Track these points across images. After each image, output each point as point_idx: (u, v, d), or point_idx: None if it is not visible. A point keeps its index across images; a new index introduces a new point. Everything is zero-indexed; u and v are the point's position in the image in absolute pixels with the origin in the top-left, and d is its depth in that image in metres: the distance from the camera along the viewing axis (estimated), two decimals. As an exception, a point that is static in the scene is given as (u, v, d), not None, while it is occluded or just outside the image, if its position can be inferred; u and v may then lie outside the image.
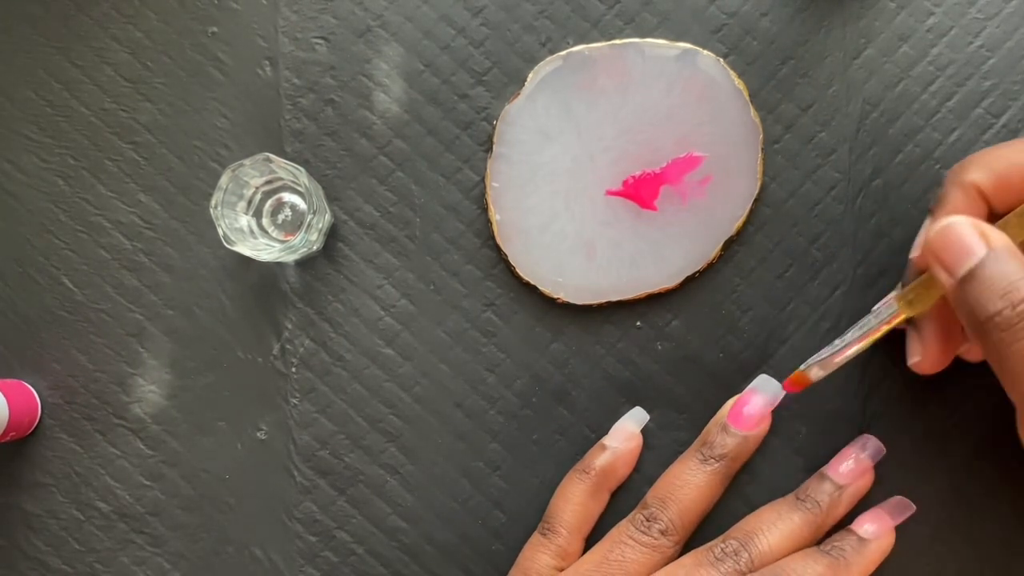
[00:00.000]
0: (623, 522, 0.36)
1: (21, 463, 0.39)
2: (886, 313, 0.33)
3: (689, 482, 0.36)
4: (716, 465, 0.36)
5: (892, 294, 0.34)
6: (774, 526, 0.35)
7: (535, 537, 0.37)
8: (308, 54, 0.39)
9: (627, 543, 0.35)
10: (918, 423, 0.37)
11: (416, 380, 0.38)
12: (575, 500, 0.37)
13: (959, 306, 0.30)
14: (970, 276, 0.29)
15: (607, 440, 0.37)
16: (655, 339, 0.38)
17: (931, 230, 0.31)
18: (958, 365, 0.35)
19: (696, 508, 0.36)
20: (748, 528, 0.35)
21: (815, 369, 0.34)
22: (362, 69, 0.39)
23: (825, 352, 0.34)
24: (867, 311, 0.34)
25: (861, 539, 0.35)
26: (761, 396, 0.36)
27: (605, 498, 0.37)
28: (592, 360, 0.38)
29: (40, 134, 0.39)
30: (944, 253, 0.30)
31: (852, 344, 0.34)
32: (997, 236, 0.30)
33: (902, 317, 0.33)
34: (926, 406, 0.37)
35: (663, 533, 0.35)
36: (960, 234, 0.30)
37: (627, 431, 0.37)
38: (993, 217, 0.32)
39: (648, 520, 0.36)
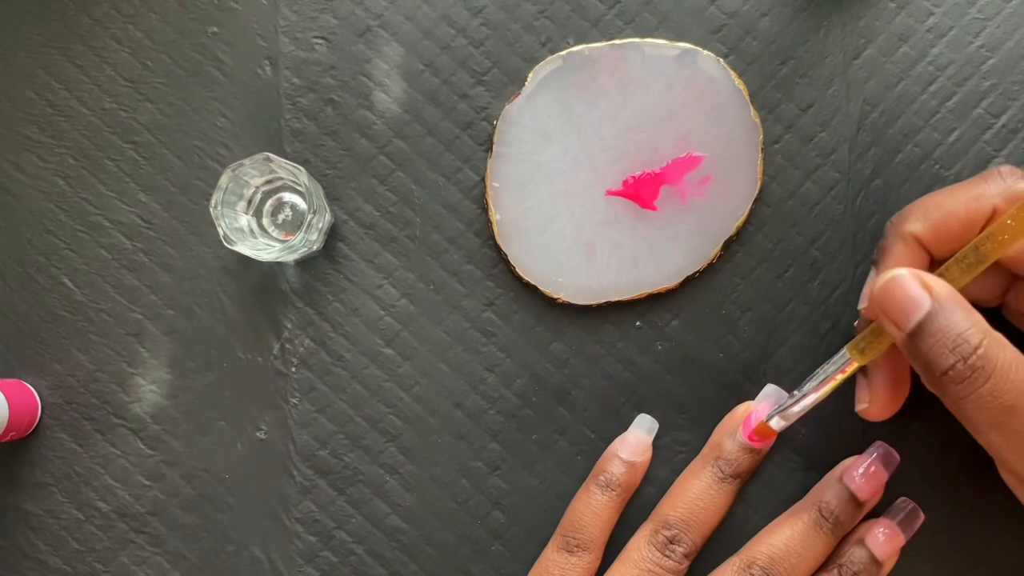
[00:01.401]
0: (642, 543, 0.36)
1: (21, 463, 0.39)
2: (839, 362, 0.34)
3: (711, 503, 0.36)
4: (734, 483, 0.36)
5: (847, 345, 0.34)
6: (798, 552, 0.35)
7: (559, 556, 0.36)
8: (308, 54, 0.39)
9: (654, 571, 0.35)
10: (918, 424, 0.37)
11: (416, 380, 0.38)
12: (603, 516, 0.36)
13: (913, 360, 0.30)
14: (919, 330, 0.29)
15: (624, 453, 0.37)
16: (655, 339, 0.38)
17: (875, 284, 0.31)
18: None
19: (714, 526, 0.36)
20: (772, 553, 0.35)
21: (776, 419, 0.35)
22: (362, 69, 0.39)
23: (786, 402, 0.35)
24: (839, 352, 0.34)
25: (875, 560, 0.35)
26: (779, 416, 0.37)
27: (622, 510, 0.37)
28: (592, 360, 0.38)
29: (40, 134, 0.39)
30: (890, 308, 0.30)
31: (809, 394, 0.34)
32: (940, 286, 0.30)
33: (855, 366, 0.33)
34: (926, 407, 0.37)
35: (686, 556, 0.36)
36: (903, 287, 0.30)
37: (643, 443, 0.37)
38: (934, 264, 0.33)
39: (672, 543, 0.35)
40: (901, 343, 0.30)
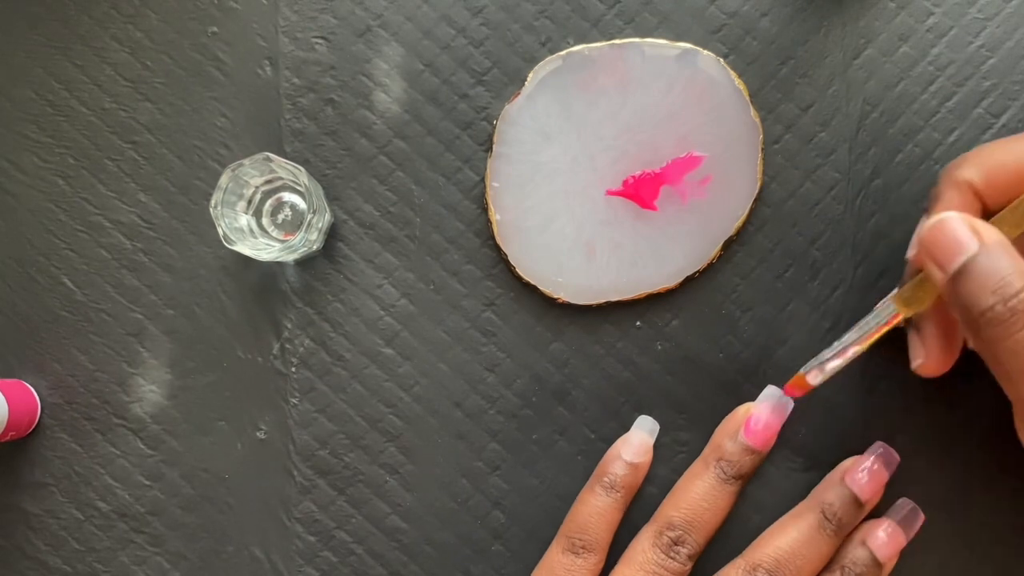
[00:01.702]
0: (646, 544, 0.36)
1: (21, 463, 0.39)
2: (884, 314, 0.33)
3: (714, 504, 0.36)
4: (736, 484, 0.36)
5: (891, 295, 0.34)
6: (802, 554, 0.35)
7: (564, 558, 0.36)
8: (308, 54, 0.39)
9: (658, 573, 0.35)
10: (918, 423, 0.37)
11: (416, 380, 0.38)
12: (608, 517, 0.36)
13: (952, 302, 0.30)
14: (962, 272, 0.29)
15: (627, 455, 0.37)
16: (655, 339, 0.38)
17: (924, 226, 0.31)
18: (958, 364, 0.35)
19: (717, 527, 0.36)
20: (778, 555, 0.35)
21: (814, 372, 0.34)
22: (362, 69, 0.39)
23: (825, 354, 0.34)
24: (867, 311, 0.34)
25: (877, 562, 0.35)
26: (776, 411, 0.36)
27: (625, 510, 0.37)
28: (592, 360, 0.38)
29: (40, 134, 0.39)
30: (936, 249, 0.30)
31: (851, 346, 0.34)
32: (989, 231, 0.30)
33: (900, 317, 0.33)
34: (926, 406, 0.37)
35: (690, 557, 0.36)
36: (952, 229, 0.30)
37: (646, 444, 0.37)
38: (988, 215, 0.32)
39: (676, 544, 0.35)
40: (943, 286, 0.30)
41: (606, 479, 0.37)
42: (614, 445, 0.37)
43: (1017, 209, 0.31)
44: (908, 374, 0.35)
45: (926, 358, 0.34)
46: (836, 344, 0.34)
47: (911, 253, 0.34)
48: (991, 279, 0.29)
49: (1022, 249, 0.30)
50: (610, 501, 0.36)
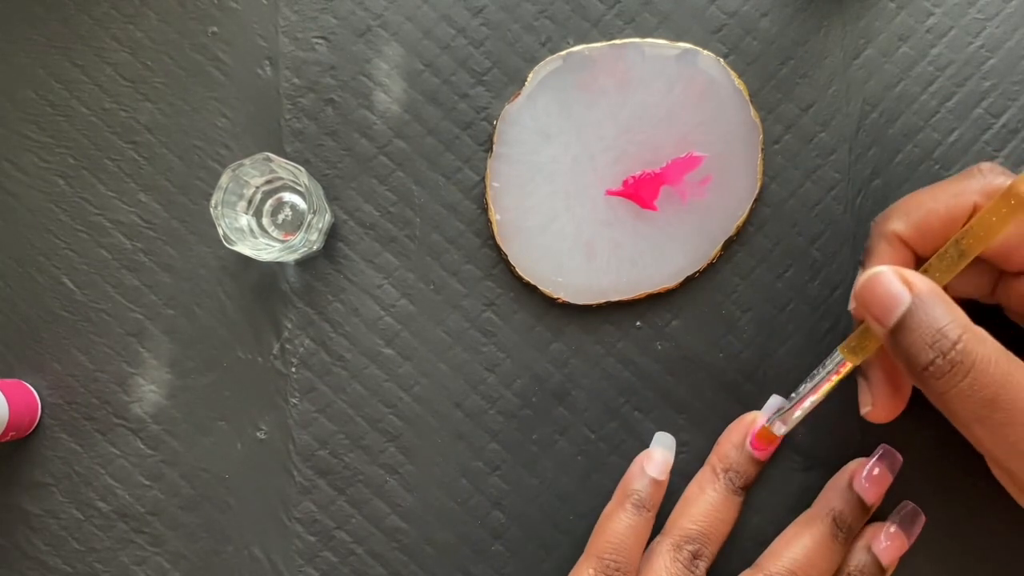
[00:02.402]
0: (666, 559, 0.35)
1: (21, 463, 0.39)
2: (833, 363, 0.34)
3: (728, 515, 0.36)
4: (744, 494, 0.37)
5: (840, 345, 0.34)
6: (816, 564, 0.35)
7: None
8: (308, 54, 0.39)
9: None
10: (918, 424, 0.37)
11: (416, 380, 0.38)
12: (642, 537, 0.36)
13: (896, 356, 0.30)
14: (900, 326, 0.29)
15: (651, 471, 0.36)
16: (655, 339, 0.38)
17: (858, 282, 0.31)
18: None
19: (727, 536, 0.37)
20: (792, 567, 0.35)
21: (778, 424, 0.35)
22: (362, 69, 0.39)
23: (784, 405, 0.35)
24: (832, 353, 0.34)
25: (881, 565, 0.35)
26: (780, 421, 0.37)
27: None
28: (592, 360, 0.38)
29: (40, 134, 0.39)
30: (872, 305, 0.30)
31: (806, 396, 0.35)
32: (920, 281, 0.30)
33: (849, 367, 0.33)
34: (926, 406, 0.37)
35: (707, 569, 0.36)
36: (884, 284, 0.30)
37: (669, 461, 0.37)
38: (919, 263, 0.33)
39: (696, 557, 0.35)
40: (885, 340, 0.30)
41: (635, 497, 0.36)
42: (635, 462, 0.37)
43: (944, 256, 0.31)
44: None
45: (874, 405, 0.34)
46: (793, 395, 0.35)
47: (852, 306, 0.34)
48: (928, 332, 0.29)
49: (963, 293, 0.30)
50: (642, 520, 0.36)
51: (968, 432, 0.30)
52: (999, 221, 0.30)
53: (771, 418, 0.36)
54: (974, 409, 0.29)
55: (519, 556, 0.38)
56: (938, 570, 0.37)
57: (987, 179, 0.32)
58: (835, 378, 0.34)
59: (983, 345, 0.29)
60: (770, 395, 0.37)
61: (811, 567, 0.34)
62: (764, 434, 0.36)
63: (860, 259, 0.34)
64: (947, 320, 0.29)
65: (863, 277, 0.31)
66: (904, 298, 0.29)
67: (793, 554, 0.35)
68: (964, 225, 0.32)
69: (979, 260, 0.32)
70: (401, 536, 0.38)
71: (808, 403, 0.35)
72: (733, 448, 0.37)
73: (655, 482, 0.36)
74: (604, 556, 0.35)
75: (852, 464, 0.37)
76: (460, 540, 0.38)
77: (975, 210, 0.32)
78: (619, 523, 0.36)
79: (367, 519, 0.38)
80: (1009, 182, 0.30)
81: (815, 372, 0.35)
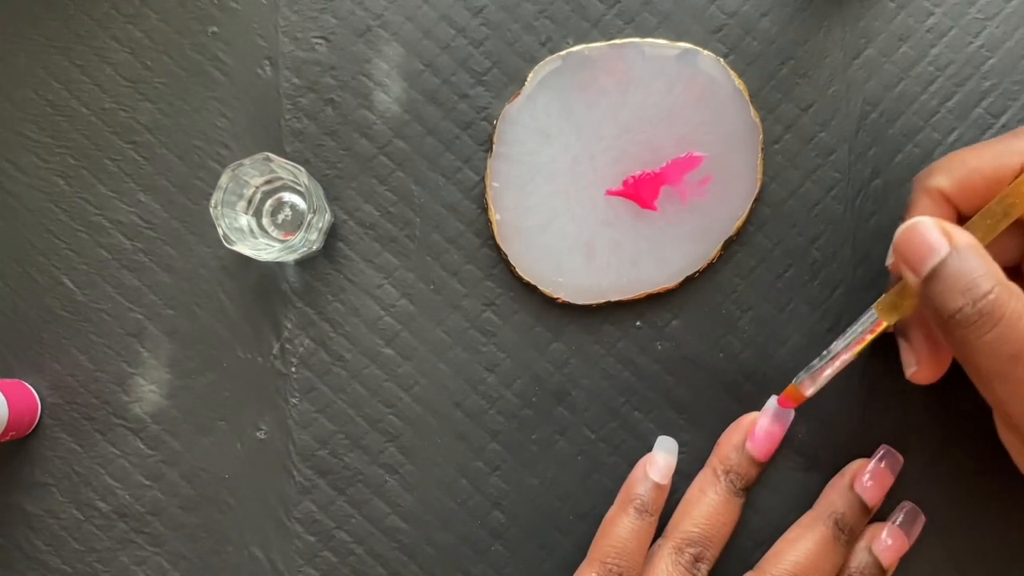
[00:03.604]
0: (668, 562, 0.35)
1: (21, 463, 0.39)
2: (868, 322, 0.33)
3: (729, 518, 0.36)
4: (744, 495, 0.37)
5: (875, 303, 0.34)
6: (819, 566, 0.35)
7: None
8: (308, 54, 0.39)
9: None
10: (918, 423, 0.37)
11: (416, 380, 0.38)
12: (645, 542, 0.36)
13: (926, 305, 0.30)
14: (933, 274, 0.29)
15: (654, 475, 0.36)
16: (655, 339, 0.38)
17: (898, 231, 0.31)
18: (957, 364, 0.35)
19: (728, 538, 0.36)
20: (795, 570, 0.35)
21: (806, 383, 0.35)
22: (362, 69, 0.39)
23: (815, 364, 0.35)
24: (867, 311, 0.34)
25: (881, 566, 0.35)
26: (778, 422, 0.36)
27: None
28: (592, 360, 0.38)
29: (40, 134, 0.39)
30: (909, 252, 0.30)
31: (839, 355, 0.34)
32: (960, 234, 0.30)
33: (884, 325, 0.33)
34: (926, 406, 0.37)
35: (709, 572, 0.36)
36: (923, 233, 0.30)
37: (672, 465, 0.37)
38: (961, 221, 0.32)
39: (698, 560, 0.35)
40: (918, 290, 0.30)
41: (638, 502, 0.36)
42: (638, 466, 0.37)
43: (988, 214, 0.31)
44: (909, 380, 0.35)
45: (918, 365, 0.34)
46: (825, 353, 0.35)
47: (889, 261, 0.34)
48: (961, 281, 0.29)
49: (1002, 255, 0.30)
50: (646, 525, 0.36)
51: (987, 387, 0.30)
52: None
53: (800, 376, 0.35)
54: (997, 363, 0.29)
55: (519, 556, 0.38)
56: (938, 570, 0.37)
57: None
58: (869, 337, 0.33)
59: (1015, 299, 0.28)
60: (770, 395, 0.37)
61: (813, 569, 0.34)
62: (792, 392, 0.35)
63: (901, 215, 0.34)
64: (982, 271, 0.29)
65: (903, 226, 0.30)
66: (942, 247, 0.29)
67: (795, 556, 0.35)
68: (1009, 185, 0.31)
69: (1019, 224, 0.31)
70: (401, 536, 0.38)
71: (839, 362, 0.34)
72: (733, 450, 0.36)
73: (657, 486, 0.36)
74: (607, 560, 0.35)
75: (853, 465, 0.37)
76: (460, 540, 0.38)
77: (1022, 170, 0.31)
78: (622, 527, 0.36)
79: (367, 519, 0.38)
80: None
81: (847, 331, 0.34)
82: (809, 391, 0.35)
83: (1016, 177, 0.31)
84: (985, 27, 0.38)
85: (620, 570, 0.35)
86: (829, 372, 0.34)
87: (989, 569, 0.37)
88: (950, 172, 0.32)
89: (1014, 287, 0.29)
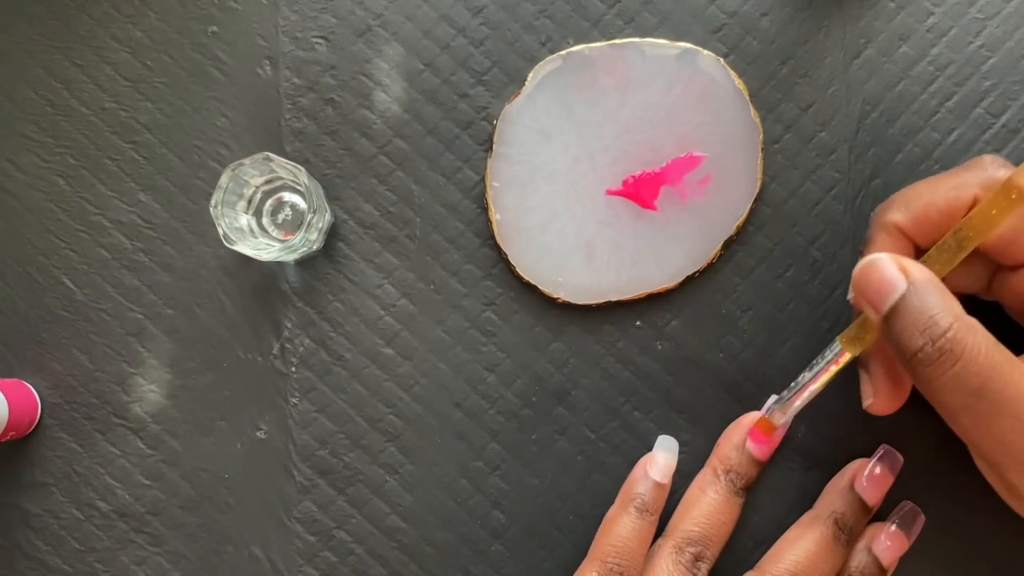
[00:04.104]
0: (668, 561, 0.35)
1: (21, 463, 0.39)
2: (832, 353, 0.34)
3: (729, 517, 0.36)
4: (744, 495, 0.37)
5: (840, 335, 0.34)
6: (818, 566, 0.35)
7: None
8: (308, 54, 0.39)
9: None
10: (917, 423, 0.37)
11: (416, 380, 0.38)
12: (646, 541, 0.36)
13: (888, 342, 0.30)
14: (893, 312, 0.30)
15: (655, 474, 0.36)
16: (655, 339, 0.38)
17: (856, 268, 0.31)
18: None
19: (728, 537, 0.36)
20: (795, 570, 0.35)
21: (777, 414, 0.35)
22: (362, 69, 0.39)
23: (784, 395, 0.35)
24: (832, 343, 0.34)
25: (881, 566, 0.35)
26: (779, 411, 0.37)
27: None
28: (592, 360, 0.38)
29: (40, 134, 0.39)
30: (868, 290, 0.30)
31: (806, 386, 0.34)
32: (917, 269, 0.30)
33: (848, 356, 0.33)
34: (925, 406, 0.37)
35: (709, 571, 0.36)
36: (881, 270, 0.30)
37: (672, 465, 0.37)
38: (919, 254, 0.33)
39: (698, 560, 0.35)
40: (879, 326, 0.30)
41: (639, 501, 0.36)
42: (638, 465, 0.37)
43: (943, 247, 0.31)
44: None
45: (875, 398, 0.34)
46: (792, 385, 0.35)
47: (850, 295, 0.34)
48: (920, 319, 0.29)
49: (958, 287, 0.30)
50: (646, 524, 0.36)
51: (954, 422, 0.30)
52: (999, 213, 0.30)
53: (770, 408, 0.36)
54: (961, 398, 0.29)
55: (519, 556, 0.38)
56: (938, 570, 0.37)
57: (988, 172, 0.32)
58: (834, 368, 0.34)
59: (973, 334, 0.29)
60: (770, 395, 0.37)
61: (813, 569, 0.34)
62: (763, 424, 0.36)
63: (860, 250, 0.34)
64: (939, 308, 0.29)
65: (861, 263, 0.31)
66: (900, 284, 0.30)
67: (795, 556, 0.35)
68: (962, 218, 0.32)
69: (976, 254, 0.32)
70: (401, 536, 0.38)
71: (807, 393, 0.34)
72: (733, 449, 0.37)
73: (658, 485, 0.36)
74: (608, 560, 0.35)
75: (853, 465, 0.37)
76: (460, 540, 0.38)
77: (975, 202, 0.32)
78: (622, 527, 0.36)
79: (367, 519, 0.38)
80: (1009, 174, 0.30)
81: (814, 362, 0.35)
82: (780, 421, 0.35)
83: (968, 210, 0.32)
84: (985, 27, 0.38)
85: (621, 569, 0.35)
86: (798, 403, 0.35)
87: (989, 569, 0.37)
88: (906, 206, 0.33)
89: (972, 321, 0.29)
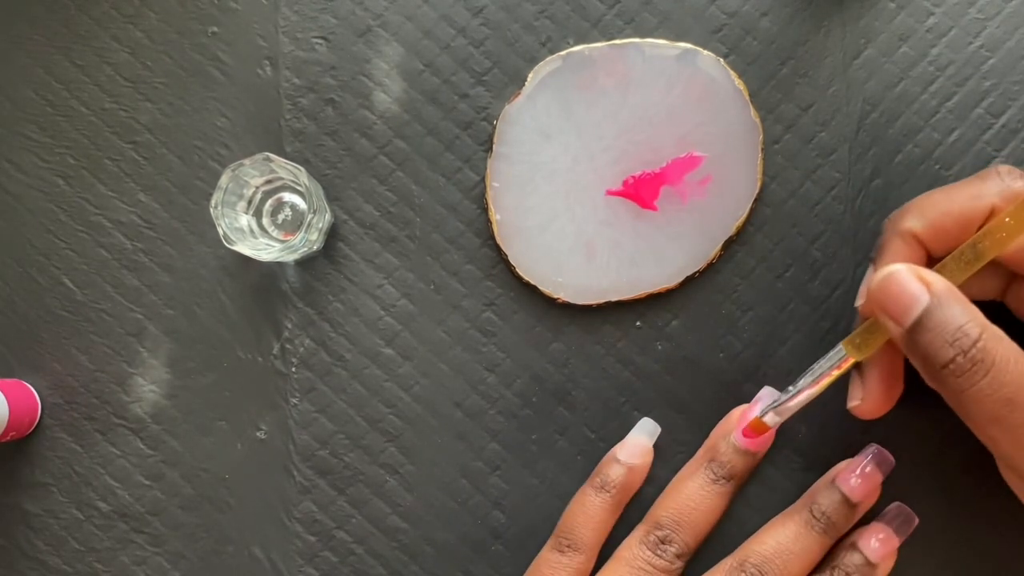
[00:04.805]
0: (634, 543, 0.36)
1: (21, 463, 0.39)
2: (835, 358, 0.34)
3: (703, 504, 0.36)
4: (728, 485, 0.36)
5: (843, 340, 0.34)
6: (790, 551, 0.35)
7: (551, 555, 0.36)
8: (308, 54, 0.39)
9: (645, 569, 0.35)
10: (917, 423, 0.37)
11: (416, 380, 0.38)
12: (596, 518, 0.36)
13: (912, 355, 0.30)
14: (918, 326, 0.29)
15: (622, 455, 0.37)
16: (655, 339, 0.38)
17: (873, 280, 0.31)
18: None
19: (707, 528, 0.36)
20: (765, 552, 0.35)
21: (770, 415, 0.35)
22: (362, 69, 0.39)
23: (781, 398, 0.35)
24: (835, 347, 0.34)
25: (870, 563, 0.35)
26: (774, 412, 0.36)
27: (620, 512, 0.37)
28: (592, 360, 0.38)
29: (40, 134, 0.39)
30: (889, 303, 0.30)
31: (804, 390, 0.34)
32: (936, 280, 0.30)
33: (851, 362, 0.33)
34: (924, 407, 0.37)
35: (678, 556, 0.36)
36: (901, 283, 0.30)
37: (643, 447, 0.37)
38: (932, 262, 0.33)
39: (664, 543, 0.35)
40: (900, 339, 0.30)
41: (597, 479, 0.37)
42: (613, 448, 0.38)
43: (960, 256, 0.31)
44: (908, 374, 0.35)
45: (864, 400, 0.34)
46: (790, 388, 0.35)
47: (859, 303, 0.34)
48: (947, 331, 0.29)
49: (968, 294, 0.30)
50: (599, 501, 0.36)
51: (983, 433, 0.30)
52: (1018, 225, 0.30)
53: (765, 408, 0.35)
54: (992, 409, 0.29)
55: (519, 556, 0.38)
56: (937, 570, 0.37)
57: (1006, 182, 0.32)
58: (835, 373, 0.34)
59: (1002, 344, 0.29)
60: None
61: (784, 553, 0.35)
62: (756, 424, 0.36)
63: (871, 256, 0.34)
64: (966, 318, 0.29)
65: (878, 276, 0.31)
66: (922, 297, 0.29)
67: (766, 540, 0.35)
68: (980, 227, 0.32)
69: (992, 263, 0.32)
70: (401, 536, 0.38)
71: (805, 396, 0.34)
72: (720, 439, 0.37)
73: (624, 465, 0.37)
74: (559, 535, 0.36)
75: (842, 463, 0.37)
76: (460, 540, 0.38)
77: (992, 212, 0.32)
78: (577, 503, 0.37)
79: (367, 519, 0.38)
80: None
81: (815, 366, 0.34)
82: (773, 422, 0.35)
83: (986, 220, 0.32)
84: (985, 27, 0.38)
85: (568, 541, 0.36)
86: (793, 404, 0.35)
87: (989, 569, 0.37)
88: (922, 215, 0.33)
89: (998, 331, 0.29)
